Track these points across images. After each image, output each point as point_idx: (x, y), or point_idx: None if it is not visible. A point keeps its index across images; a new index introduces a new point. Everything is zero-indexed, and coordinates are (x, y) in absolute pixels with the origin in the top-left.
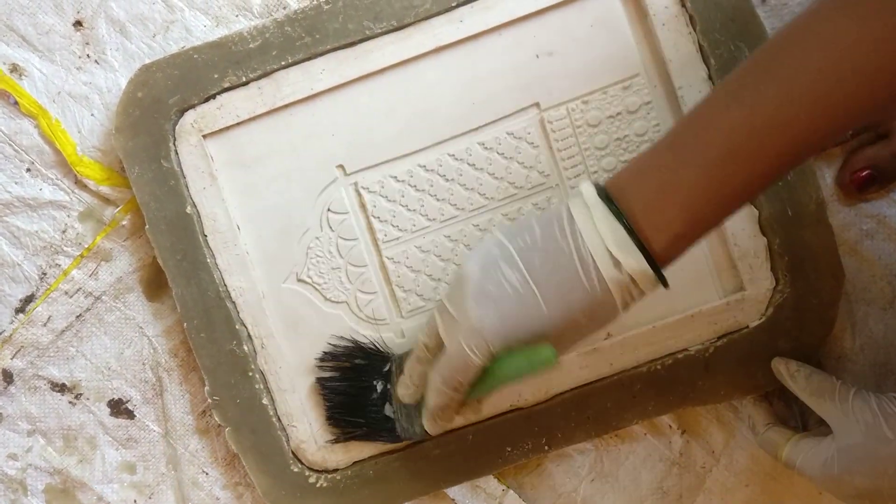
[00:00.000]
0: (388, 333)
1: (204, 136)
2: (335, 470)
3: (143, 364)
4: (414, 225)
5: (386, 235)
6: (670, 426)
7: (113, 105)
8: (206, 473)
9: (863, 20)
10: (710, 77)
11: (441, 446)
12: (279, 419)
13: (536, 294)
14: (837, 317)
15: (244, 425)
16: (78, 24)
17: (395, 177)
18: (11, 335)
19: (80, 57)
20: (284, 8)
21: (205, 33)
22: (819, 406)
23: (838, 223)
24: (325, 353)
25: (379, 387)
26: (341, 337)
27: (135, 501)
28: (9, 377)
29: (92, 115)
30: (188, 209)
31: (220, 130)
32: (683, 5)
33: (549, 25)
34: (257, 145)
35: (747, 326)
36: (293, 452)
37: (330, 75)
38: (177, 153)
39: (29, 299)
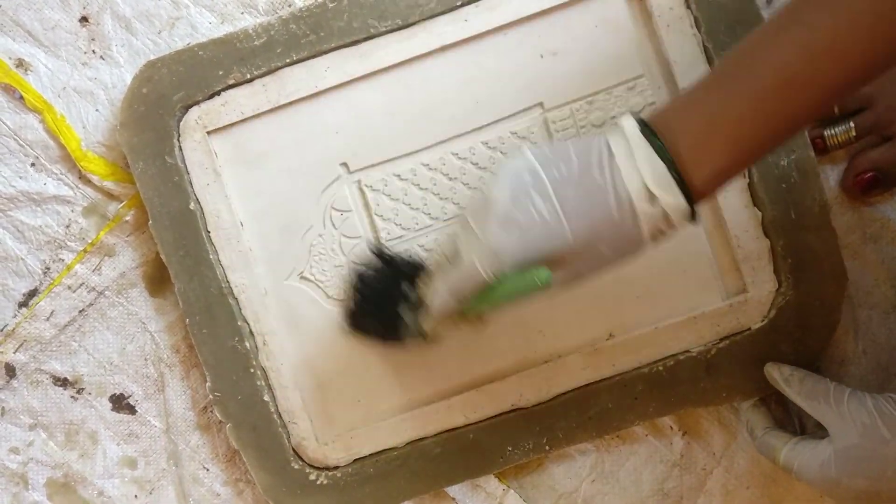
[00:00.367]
0: None
1: (208, 133)
2: (336, 467)
3: (145, 359)
4: (417, 223)
5: (389, 234)
6: (671, 427)
7: (118, 101)
8: (207, 469)
9: None
10: None
11: (442, 445)
12: (280, 416)
13: (565, 227)
14: (840, 320)
15: (245, 422)
16: (84, 19)
17: (399, 175)
18: (14, 329)
19: (85, 52)
20: (290, 6)
21: (210, 30)
22: (815, 409)
23: (842, 226)
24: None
25: (408, 293)
26: (377, 246)
27: (135, 497)
28: (11, 371)
29: (97, 110)
30: (192, 205)
31: (225, 127)
32: (688, 6)
33: (553, 26)
34: (261, 142)
35: (749, 329)
36: (294, 449)
37: (334, 73)
38: (181, 149)
39: (32, 294)
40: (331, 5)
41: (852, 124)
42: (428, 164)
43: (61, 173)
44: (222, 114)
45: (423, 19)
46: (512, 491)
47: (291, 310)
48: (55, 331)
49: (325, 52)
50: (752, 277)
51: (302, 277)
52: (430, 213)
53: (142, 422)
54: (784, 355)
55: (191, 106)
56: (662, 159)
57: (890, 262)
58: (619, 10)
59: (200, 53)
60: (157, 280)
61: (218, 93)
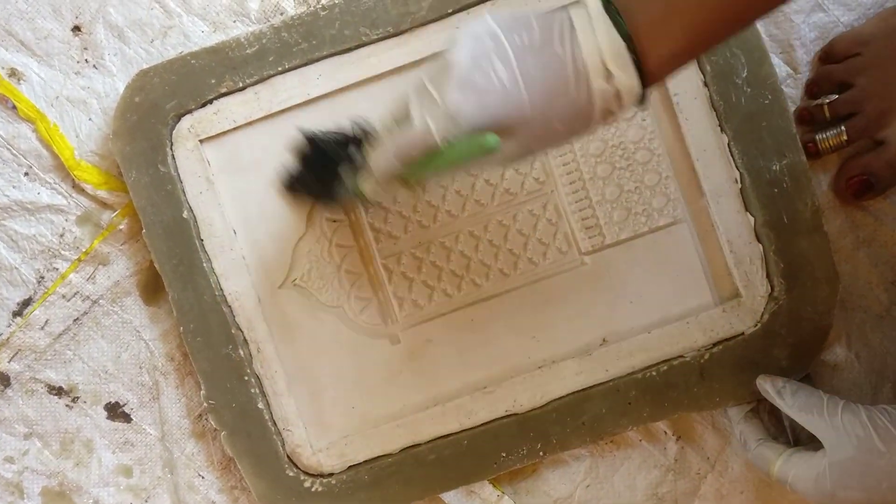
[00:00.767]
0: (382, 339)
1: (201, 141)
2: (330, 474)
3: (140, 368)
4: (409, 231)
5: (381, 241)
6: (665, 432)
7: (111, 110)
8: (202, 477)
9: None
10: (705, 84)
11: (436, 451)
12: (275, 423)
13: (524, 95)
14: (833, 324)
15: (240, 429)
16: (76, 29)
17: None
18: (9, 338)
19: (78, 62)
20: (281, 14)
21: (202, 39)
22: (808, 422)
23: (834, 230)
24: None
25: (354, 155)
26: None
27: None
28: (6, 380)
29: (90, 119)
30: (185, 214)
31: (217, 135)
32: None
33: None
34: (254, 150)
35: (742, 333)
36: (288, 457)
37: (326, 81)
38: (174, 158)
39: (26, 303)
40: (322, 14)
41: (844, 128)
42: None
43: (55, 182)
44: (215, 122)
45: (415, 27)
46: (506, 496)
47: (285, 317)
48: (50, 340)
49: (317, 60)
50: (744, 282)
51: (295, 285)
52: (421, 221)
53: (137, 430)
54: (777, 360)
55: (183, 114)
56: (622, 36)
57: (882, 265)
58: None
59: (193, 62)
60: (152, 288)
61: (210, 101)
